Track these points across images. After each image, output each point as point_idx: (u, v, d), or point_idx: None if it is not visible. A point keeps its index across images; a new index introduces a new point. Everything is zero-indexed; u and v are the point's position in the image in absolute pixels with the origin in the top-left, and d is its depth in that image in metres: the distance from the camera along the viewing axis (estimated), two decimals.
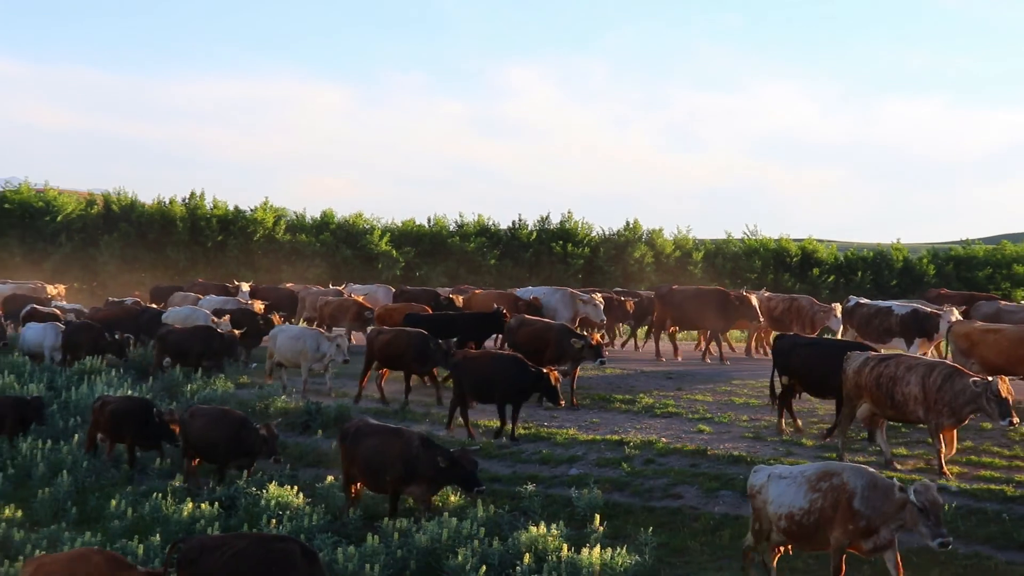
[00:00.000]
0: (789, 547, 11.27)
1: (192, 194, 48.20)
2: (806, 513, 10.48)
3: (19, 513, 14.07)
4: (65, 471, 15.67)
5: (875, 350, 15.25)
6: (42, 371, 22.17)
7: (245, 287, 32.18)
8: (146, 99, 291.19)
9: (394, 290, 30.66)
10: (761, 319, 24.19)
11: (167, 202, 47.81)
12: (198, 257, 46.56)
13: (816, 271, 45.83)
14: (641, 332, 29.20)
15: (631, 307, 27.27)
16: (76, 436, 17.24)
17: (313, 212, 49.57)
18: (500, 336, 22.25)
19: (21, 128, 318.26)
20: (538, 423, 17.54)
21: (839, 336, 22.47)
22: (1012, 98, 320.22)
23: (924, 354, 18.59)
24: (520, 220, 48.81)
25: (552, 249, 47.00)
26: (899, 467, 14.04)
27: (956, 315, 19.81)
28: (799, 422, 16.48)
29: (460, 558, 11.67)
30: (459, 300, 26.67)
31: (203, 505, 13.67)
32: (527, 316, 21.41)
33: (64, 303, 31.80)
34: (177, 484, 15.11)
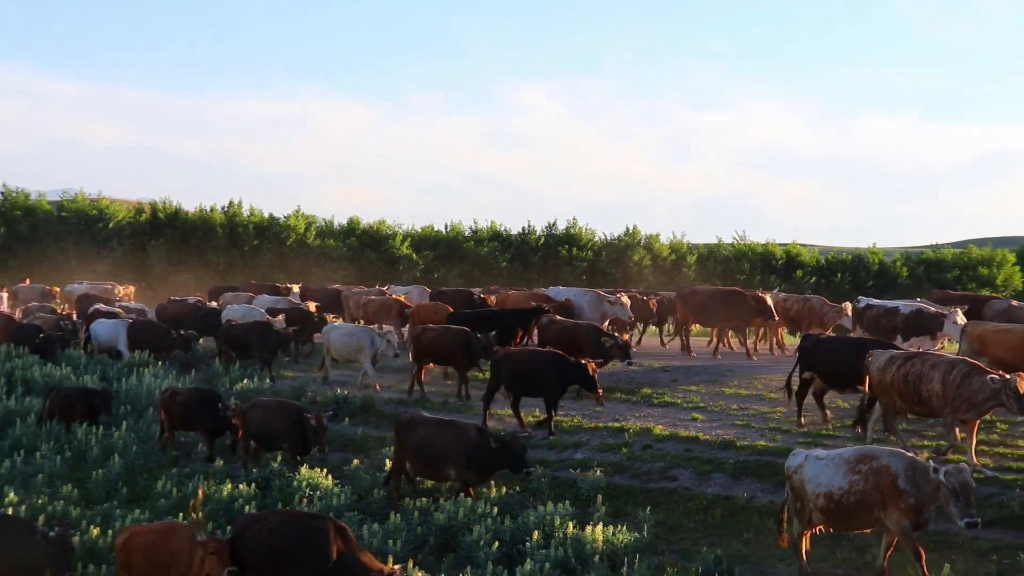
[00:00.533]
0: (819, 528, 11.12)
1: (231, 203, 51.12)
2: (846, 493, 10.45)
3: (75, 492, 15.17)
4: (116, 454, 16.66)
5: (896, 348, 15.65)
6: (95, 363, 23.46)
7: (296, 288, 33.56)
8: (190, 117, 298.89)
9: (430, 290, 31.73)
10: (776, 318, 24.82)
11: (208, 210, 50.68)
12: (236, 260, 48.98)
13: (799, 273, 47.85)
14: (651, 330, 30.05)
15: (654, 306, 28.13)
16: (124, 423, 18.14)
17: (340, 219, 52.40)
18: (522, 333, 22.25)
19: (78, 143, 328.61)
20: (544, 412, 18.02)
21: (852, 334, 23.05)
22: (978, 115, 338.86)
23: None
24: (529, 226, 51.08)
25: (559, 253, 49.20)
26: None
27: (960, 315, 20.32)
28: (828, 413, 16.68)
29: (475, 534, 12.22)
30: (491, 300, 27.63)
31: (241, 486, 14.43)
32: (556, 316, 21.88)
33: (131, 303, 33.43)
34: (218, 466, 15.96)
